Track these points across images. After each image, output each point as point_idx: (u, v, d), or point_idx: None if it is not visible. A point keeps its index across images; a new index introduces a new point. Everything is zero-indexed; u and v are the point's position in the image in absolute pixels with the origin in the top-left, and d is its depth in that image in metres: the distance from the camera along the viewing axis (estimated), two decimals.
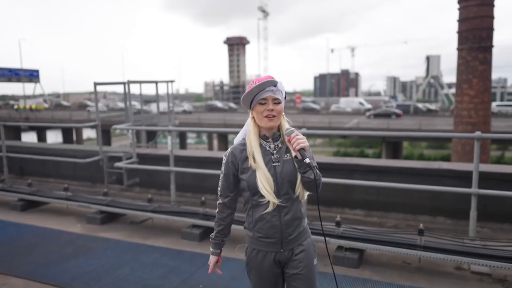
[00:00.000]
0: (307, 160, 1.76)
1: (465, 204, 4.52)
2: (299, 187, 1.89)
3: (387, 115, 39.02)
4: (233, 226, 2.15)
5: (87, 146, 10.89)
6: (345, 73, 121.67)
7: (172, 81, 7.78)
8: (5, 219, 5.48)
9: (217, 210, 2.06)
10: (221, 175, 2.00)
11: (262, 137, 1.93)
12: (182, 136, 44.59)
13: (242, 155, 1.94)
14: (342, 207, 5.57)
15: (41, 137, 45.17)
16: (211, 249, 2.11)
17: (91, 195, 5.85)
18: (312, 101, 77.69)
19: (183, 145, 43.58)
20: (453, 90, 63.21)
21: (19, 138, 42.86)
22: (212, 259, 2.11)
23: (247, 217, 2.00)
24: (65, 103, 67.30)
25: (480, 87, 23.01)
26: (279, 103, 1.87)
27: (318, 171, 1.87)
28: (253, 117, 1.92)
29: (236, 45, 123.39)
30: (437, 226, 4.93)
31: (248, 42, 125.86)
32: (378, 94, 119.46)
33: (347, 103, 52.75)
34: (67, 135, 44.67)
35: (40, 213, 5.80)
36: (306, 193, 1.95)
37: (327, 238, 3.95)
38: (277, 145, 1.92)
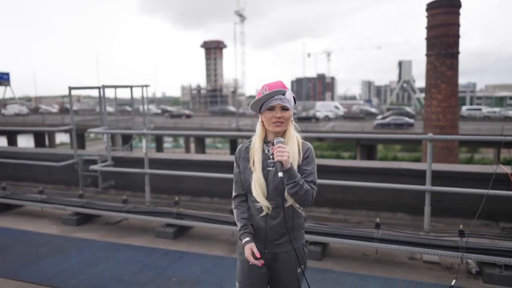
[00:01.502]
0: (280, 174, 1.80)
1: (422, 200, 4.89)
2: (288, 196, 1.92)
3: (398, 125, 34.85)
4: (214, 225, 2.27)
5: (61, 149, 10.85)
6: (321, 77, 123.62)
7: (147, 86, 7.93)
8: None
9: (234, 207, 2.13)
10: (234, 173, 2.13)
11: (265, 141, 2.03)
12: (158, 140, 44.29)
13: (244, 154, 2.06)
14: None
15: (12, 142, 43.91)
16: (243, 241, 2.02)
17: (66, 198, 5.95)
18: None
19: (160, 149, 43.30)
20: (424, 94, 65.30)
21: None
22: (247, 248, 1.98)
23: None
24: (43, 106, 65.73)
25: (448, 91, 24.04)
26: (287, 110, 1.95)
27: (309, 186, 1.91)
28: (262, 121, 2.01)
29: (213, 49, 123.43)
30: (397, 222, 5.29)
31: (225, 46, 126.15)
32: (353, 98, 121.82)
33: (323, 107, 53.64)
34: (39, 139, 43.60)
35: (15, 215, 5.85)
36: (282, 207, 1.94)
37: None
38: (278, 168, 1.91)
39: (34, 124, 39.94)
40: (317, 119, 40.92)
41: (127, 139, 9.17)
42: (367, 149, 34.19)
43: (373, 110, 55.27)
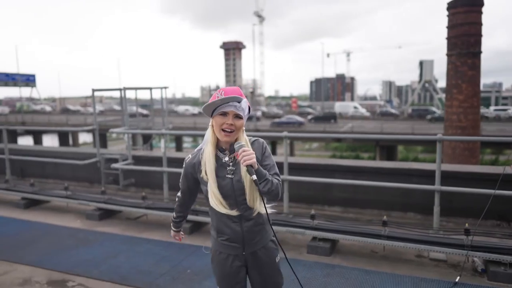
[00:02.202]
0: (254, 177, 1.77)
1: (433, 200, 4.98)
2: (251, 197, 1.91)
3: (290, 124, 37.30)
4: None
5: (85, 148, 11.31)
6: (341, 77, 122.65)
7: (166, 87, 8.23)
8: (9, 216, 5.90)
9: (176, 200, 2.28)
10: (181, 176, 2.09)
11: (220, 149, 1.94)
12: (178, 140, 44.94)
13: (199, 167, 1.97)
14: (322, 204, 6.02)
15: (37, 141, 45.44)
16: (173, 228, 2.39)
17: (89, 194, 6.27)
18: (308, 105, 78.34)
19: (179, 149, 43.93)
20: None
21: (15, 142, 43.15)
22: (174, 234, 2.43)
23: (211, 219, 2.06)
24: (71, 107, 68.31)
25: (469, 91, 23.61)
26: (241, 118, 1.87)
27: (276, 179, 1.91)
28: (212, 126, 1.92)
29: (232, 50, 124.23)
30: (407, 221, 5.38)
31: (244, 47, 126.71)
32: (374, 98, 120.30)
33: (341, 107, 53.35)
34: (63, 139, 44.95)
35: (42, 210, 6.22)
36: (260, 205, 1.94)
37: (302, 230, 4.41)
38: (234, 157, 1.92)
39: (59, 124, 41.26)
40: (335, 119, 40.80)
41: (147, 139, 9.50)
42: (387, 150, 33.88)
43: (393, 111, 54.54)
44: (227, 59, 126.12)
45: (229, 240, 1.99)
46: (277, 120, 40.46)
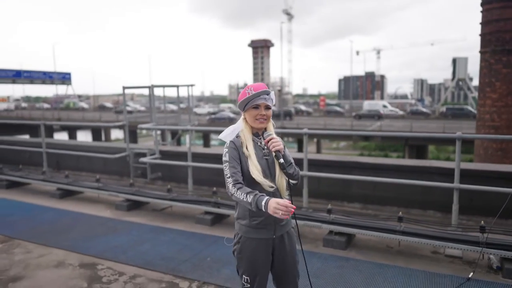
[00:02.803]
0: (281, 161, 2.08)
1: (452, 198, 4.99)
2: (278, 177, 2.16)
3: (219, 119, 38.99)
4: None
5: (115, 143, 11.80)
6: (370, 75, 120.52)
7: (192, 85, 8.51)
8: (46, 205, 6.33)
9: (236, 191, 2.07)
10: (227, 163, 2.14)
11: (255, 134, 2.22)
12: (206, 138, 45.65)
13: (241, 146, 2.18)
14: (341, 200, 6.12)
15: (72, 137, 47.32)
16: (262, 203, 1.95)
17: (119, 186, 6.63)
18: (337, 104, 77.45)
19: (206, 145, 44.60)
20: None
21: (51, 136, 45.11)
22: (273, 203, 1.92)
23: (240, 208, 2.20)
24: (108, 104, 70.50)
25: (504, 90, 22.74)
26: (270, 108, 2.20)
27: (296, 167, 2.20)
28: (245, 118, 2.22)
29: (260, 48, 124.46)
30: (427, 219, 5.39)
31: (272, 45, 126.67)
32: (404, 97, 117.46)
33: (370, 106, 52.48)
34: (96, 135, 46.64)
35: (76, 200, 6.63)
36: (284, 188, 2.19)
37: (319, 223, 4.55)
38: (277, 156, 2.15)
39: (92, 121, 42.83)
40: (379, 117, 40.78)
41: (174, 134, 9.85)
42: (417, 149, 33.13)
43: (424, 109, 53.09)
44: (255, 57, 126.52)
45: (262, 223, 2.15)
46: (212, 116, 45.14)
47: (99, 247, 4.53)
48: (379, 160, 6.52)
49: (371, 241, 4.60)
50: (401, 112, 48.28)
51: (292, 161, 2.22)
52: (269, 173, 2.17)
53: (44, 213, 5.93)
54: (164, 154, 7.65)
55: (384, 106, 51.20)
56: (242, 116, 2.26)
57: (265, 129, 2.24)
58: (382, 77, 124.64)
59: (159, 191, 6.23)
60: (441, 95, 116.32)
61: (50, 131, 41.94)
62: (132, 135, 35.66)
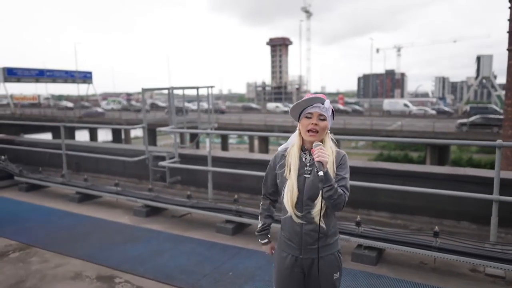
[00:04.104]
0: (320, 173, 1.83)
1: (489, 209, 4.64)
2: (318, 199, 1.96)
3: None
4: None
5: (134, 146, 11.75)
6: (390, 73, 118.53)
7: (212, 87, 8.35)
8: (64, 209, 6.25)
9: (261, 203, 2.31)
10: (267, 171, 2.23)
11: (303, 148, 2.07)
12: (224, 137, 45.66)
13: (280, 160, 2.12)
14: (368, 209, 5.82)
15: (93, 135, 48.12)
16: (261, 242, 2.33)
17: (137, 191, 6.51)
18: (356, 102, 76.41)
19: (224, 145, 44.63)
20: None
21: (73, 136, 45.95)
22: (265, 249, 2.34)
23: (282, 217, 2.16)
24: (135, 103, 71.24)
25: None
26: (324, 119, 1.99)
27: (342, 190, 1.94)
28: (299, 131, 2.07)
29: (278, 46, 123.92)
30: (461, 231, 5.07)
31: (290, 43, 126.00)
32: (425, 95, 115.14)
33: (390, 104, 51.48)
34: (116, 134, 47.28)
35: (94, 205, 6.53)
36: (318, 212, 1.97)
37: (347, 236, 4.28)
38: (313, 159, 1.97)
39: (113, 120, 43.41)
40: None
41: (194, 136, 9.69)
42: (439, 149, 32.23)
43: (447, 108, 51.77)
44: (273, 55, 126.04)
45: (290, 239, 2.08)
46: (84, 112, 48.32)
47: (117, 257, 4.38)
48: (409, 167, 6.19)
49: (403, 255, 4.31)
50: (432, 112, 46.73)
51: (341, 182, 1.98)
52: (302, 193, 2.01)
53: (62, 218, 5.84)
54: (184, 158, 7.49)
55: (405, 105, 50.16)
56: (297, 128, 2.11)
57: (322, 141, 2.03)
58: (403, 75, 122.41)
59: (178, 197, 6.06)
60: (464, 93, 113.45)
61: (71, 129, 42.70)
62: (152, 134, 35.91)
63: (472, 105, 49.39)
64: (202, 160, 7.10)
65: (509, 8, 22.28)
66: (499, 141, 4.29)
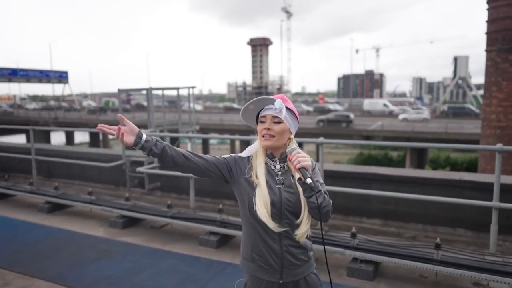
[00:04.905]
0: (308, 181, 1.57)
1: (486, 216, 4.42)
2: (304, 214, 1.71)
3: None
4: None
5: (111, 150, 11.19)
6: (370, 73, 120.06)
7: (193, 87, 7.93)
8: (32, 221, 5.72)
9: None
10: (218, 156, 1.84)
11: (269, 156, 1.80)
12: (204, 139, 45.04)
13: (243, 165, 1.81)
14: (360, 216, 5.54)
15: (69, 136, 46.71)
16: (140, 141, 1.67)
17: (114, 199, 6.04)
18: (335, 102, 76.89)
19: (205, 146, 44.01)
20: (482, 92, 61.02)
21: (48, 137, 44.47)
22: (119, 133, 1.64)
23: (245, 239, 1.82)
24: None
25: (510, 89, 22.17)
26: (280, 122, 1.72)
27: (327, 196, 1.70)
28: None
29: (259, 46, 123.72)
30: (457, 238, 4.84)
31: (271, 43, 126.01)
32: (403, 95, 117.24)
33: (371, 105, 51.93)
34: (94, 134, 45.92)
35: (66, 215, 6.03)
36: (304, 234, 1.74)
37: (342, 249, 3.96)
38: (284, 167, 1.77)
39: (89, 120, 42.16)
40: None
41: (174, 139, 9.25)
42: (418, 149, 32.61)
43: (425, 115, 52.44)
44: (254, 55, 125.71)
45: (265, 261, 1.74)
46: None
47: (90, 277, 3.94)
48: (402, 171, 5.95)
49: (401, 268, 4.02)
50: (429, 114, 47.11)
51: (321, 188, 1.68)
52: (279, 206, 1.71)
53: (29, 232, 5.33)
54: None
55: (385, 105, 50.69)
56: (258, 134, 1.81)
57: (287, 145, 1.76)
58: (381, 75, 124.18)
59: (158, 205, 5.64)
60: (440, 93, 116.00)
61: (46, 131, 41.29)
62: None
63: (449, 105, 50.37)
64: None
65: (487, 9, 22.63)
66: (499, 145, 4.06)
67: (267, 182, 1.73)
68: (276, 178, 1.76)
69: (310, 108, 55.40)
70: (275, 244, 1.73)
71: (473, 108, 45.67)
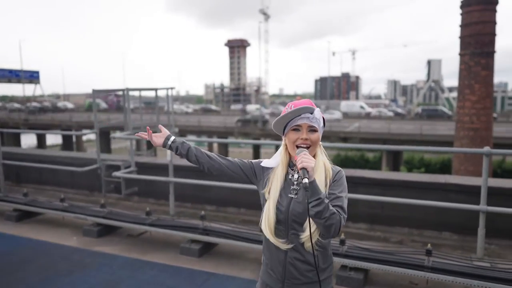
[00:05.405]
0: (305, 180, 1.49)
1: (472, 219, 4.38)
2: (309, 219, 1.58)
3: None
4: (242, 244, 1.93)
5: (85, 154, 10.75)
6: (346, 76, 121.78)
7: (172, 88, 7.65)
8: None
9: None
10: (241, 160, 1.91)
11: (289, 165, 1.78)
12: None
13: (266, 176, 1.82)
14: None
15: (41, 138, 45.06)
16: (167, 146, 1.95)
17: (88, 205, 5.72)
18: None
19: None
20: (454, 94, 62.94)
21: (18, 139, 42.77)
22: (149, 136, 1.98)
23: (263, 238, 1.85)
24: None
25: (482, 92, 22.87)
26: (315, 131, 1.69)
27: (337, 210, 1.57)
28: (285, 145, 1.76)
29: (237, 48, 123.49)
30: (443, 242, 4.79)
31: (249, 45, 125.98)
32: (378, 97, 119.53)
33: (348, 106, 52.58)
34: (66, 137, 44.51)
35: (36, 224, 5.66)
36: (308, 237, 1.61)
37: None
38: (300, 176, 1.70)
39: (62, 122, 40.82)
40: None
41: (151, 143, 8.90)
42: (394, 150, 33.16)
43: (400, 110, 53.68)
44: (231, 57, 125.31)
45: (272, 268, 1.76)
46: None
47: None
48: (388, 175, 5.87)
49: (391, 275, 3.91)
50: (389, 113, 48.13)
51: (326, 200, 1.53)
52: (286, 216, 1.67)
53: None
54: (141, 167, 6.74)
55: (361, 107, 51.43)
56: (283, 143, 1.79)
57: (314, 156, 1.72)
58: (357, 78, 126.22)
59: (135, 212, 5.36)
60: (414, 95, 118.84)
61: (17, 133, 39.68)
62: (105, 137, 34.08)
63: (423, 107, 51.57)
64: (162, 169, 6.41)
65: (460, 14, 23.23)
66: (486, 148, 4.02)
67: (280, 193, 1.72)
68: (292, 187, 1.73)
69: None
70: (281, 254, 1.71)
71: (446, 110, 46.95)
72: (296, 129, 1.69)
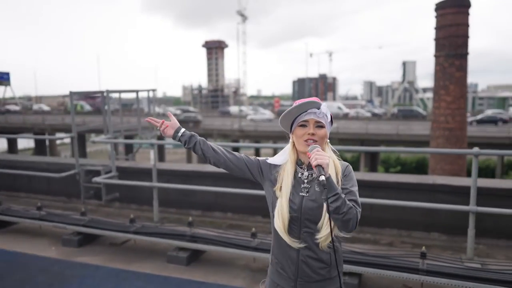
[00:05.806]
0: (322, 178, 1.49)
1: (461, 220, 4.40)
2: (324, 219, 1.63)
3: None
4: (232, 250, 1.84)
5: (61, 159, 10.36)
6: (323, 77, 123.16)
7: (154, 90, 7.44)
8: None
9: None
10: (249, 157, 1.89)
11: (298, 163, 1.77)
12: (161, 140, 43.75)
13: (274, 173, 1.80)
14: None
15: (12, 142, 43.43)
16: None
17: (67, 212, 5.46)
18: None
19: (161, 150, 42.75)
20: (428, 95, 64.56)
21: None
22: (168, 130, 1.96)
23: (272, 241, 1.85)
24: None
25: (457, 93, 23.50)
26: (322, 127, 1.70)
27: (353, 204, 1.59)
28: (293, 142, 1.76)
29: (214, 49, 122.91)
30: (432, 243, 4.79)
31: (226, 46, 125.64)
32: (355, 98, 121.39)
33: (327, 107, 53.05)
34: (39, 140, 43.05)
35: (10, 234, 5.35)
36: (327, 238, 1.62)
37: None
38: (311, 174, 1.73)
39: (35, 125, 39.47)
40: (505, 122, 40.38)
41: (130, 146, 8.66)
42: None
43: (377, 110, 54.60)
44: (209, 58, 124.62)
45: (282, 267, 1.74)
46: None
47: None
48: (377, 176, 5.86)
49: (384, 279, 3.87)
50: (367, 114, 48.86)
51: (343, 195, 1.55)
52: (299, 215, 1.67)
53: None
54: (122, 171, 6.49)
55: (339, 108, 52.01)
56: (290, 140, 1.79)
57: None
58: (334, 79, 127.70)
59: (117, 219, 5.14)
60: (389, 96, 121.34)
61: None
62: (81, 140, 33.15)
63: (399, 108, 52.63)
64: (145, 174, 6.21)
65: (435, 17, 23.79)
66: (475, 149, 4.02)
67: (291, 191, 1.71)
68: (302, 185, 1.73)
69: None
70: (293, 252, 1.70)
71: (420, 110, 48.03)
72: (303, 125, 1.70)
